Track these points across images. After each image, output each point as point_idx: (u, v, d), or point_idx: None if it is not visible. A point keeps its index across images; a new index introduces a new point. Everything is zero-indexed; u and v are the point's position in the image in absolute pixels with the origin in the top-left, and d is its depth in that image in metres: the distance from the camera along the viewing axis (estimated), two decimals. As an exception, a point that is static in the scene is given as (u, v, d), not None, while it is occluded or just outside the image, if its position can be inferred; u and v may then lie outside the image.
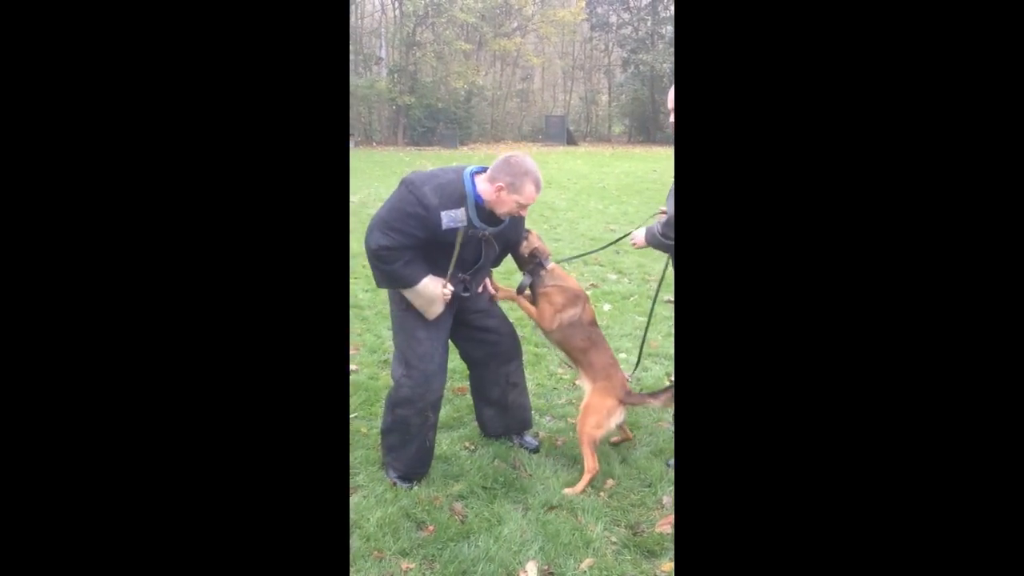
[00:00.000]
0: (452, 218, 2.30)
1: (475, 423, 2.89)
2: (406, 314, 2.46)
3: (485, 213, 2.36)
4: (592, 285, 5.16)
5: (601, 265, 5.79)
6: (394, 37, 22.84)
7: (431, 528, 2.20)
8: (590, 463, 2.46)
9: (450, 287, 2.39)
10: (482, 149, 20.04)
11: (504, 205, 2.31)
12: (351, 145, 18.72)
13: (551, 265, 2.64)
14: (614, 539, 2.18)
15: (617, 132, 26.73)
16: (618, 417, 2.56)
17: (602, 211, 8.81)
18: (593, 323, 2.66)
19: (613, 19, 24.68)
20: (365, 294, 4.93)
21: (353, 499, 2.36)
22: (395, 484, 2.46)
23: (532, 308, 2.64)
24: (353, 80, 21.19)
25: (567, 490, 2.44)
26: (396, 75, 22.08)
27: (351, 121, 20.75)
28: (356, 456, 2.64)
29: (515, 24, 24.10)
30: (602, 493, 2.44)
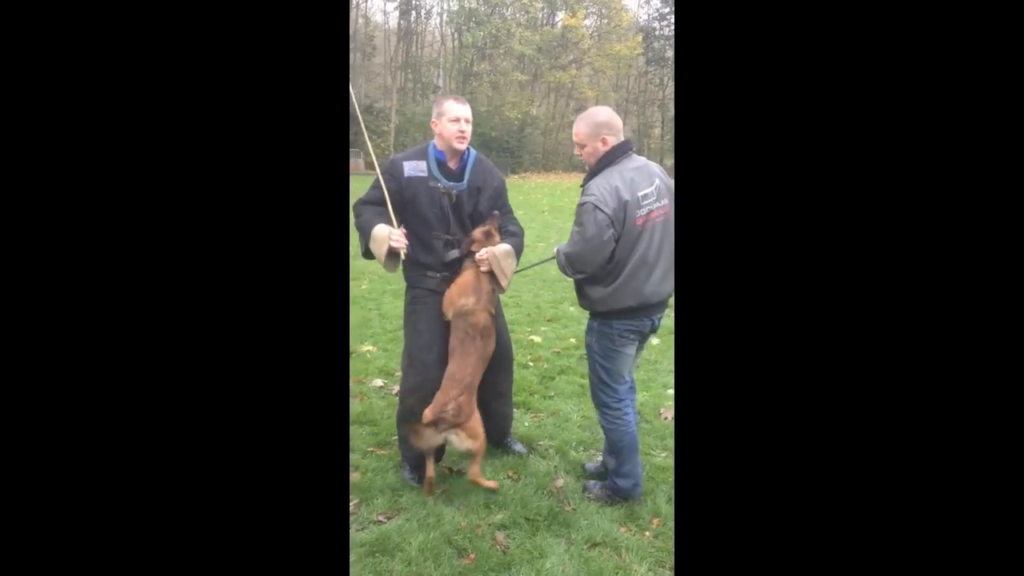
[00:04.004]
0: (413, 167, 2.57)
1: (516, 451, 2.93)
2: (411, 308, 2.67)
3: (446, 168, 2.59)
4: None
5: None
6: (452, 67, 23.41)
7: (472, 556, 2.18)
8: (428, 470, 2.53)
9: (400, 230, 2.50)
10: (533, 178, 20.18)
11: (442, 131, 2.54)
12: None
13: (482, 255, 2.56)
14: (659, 581, 2.12)
15: (669, 165, 26.63)
16: (428, 437, 2.41)
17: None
18: (480, 332, 2.53)
19: (669, 54, 24.75)
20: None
21: (396, 522, 2.36)
22: (408, 479, 2.62)
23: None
24: (410, 107, 21.73)
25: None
26: (452, 103, 22.56)
27: (406, 146, 21.21)
28: (400, 477, 2.65)
29: (571, 57, 24.40)
30: (647, 532, 2.37)
